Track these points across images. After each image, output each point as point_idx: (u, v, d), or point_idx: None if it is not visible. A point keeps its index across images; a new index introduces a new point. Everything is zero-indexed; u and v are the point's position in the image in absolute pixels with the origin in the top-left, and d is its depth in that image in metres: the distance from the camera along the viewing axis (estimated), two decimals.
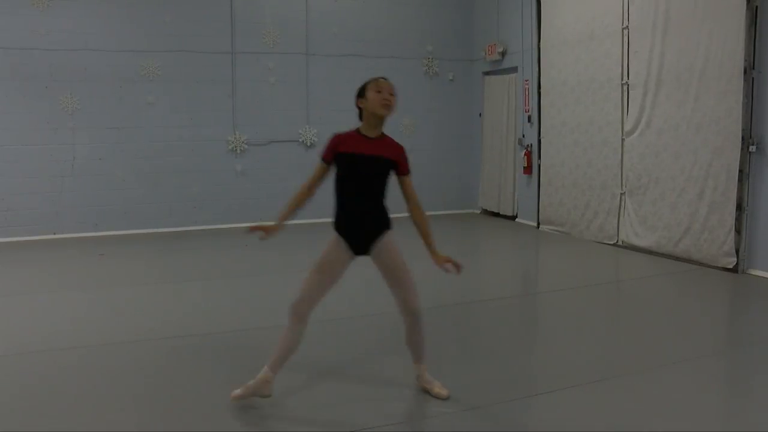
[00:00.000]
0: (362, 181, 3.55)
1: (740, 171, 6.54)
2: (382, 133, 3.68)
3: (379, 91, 3.56)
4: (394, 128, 10.43)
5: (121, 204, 9.52)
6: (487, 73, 11.02)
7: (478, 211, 11.24)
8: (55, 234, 9.31)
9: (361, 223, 3.57)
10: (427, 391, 3.70)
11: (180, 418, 3.41)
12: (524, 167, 9.94)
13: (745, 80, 6.43)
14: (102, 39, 9.33)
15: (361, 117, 3.67)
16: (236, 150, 9.90)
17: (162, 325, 5.05)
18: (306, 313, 3.49)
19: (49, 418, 3.42)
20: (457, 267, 3.54)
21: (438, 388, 3.68)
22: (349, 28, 10.50)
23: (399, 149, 3.70)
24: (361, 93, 3.63)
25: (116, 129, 9.50)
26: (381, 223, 3.62)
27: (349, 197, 3.56)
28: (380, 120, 3.62)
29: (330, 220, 3.62)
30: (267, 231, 3.56)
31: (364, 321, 5.19)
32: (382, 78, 3.66)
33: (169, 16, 9.57)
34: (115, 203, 9.50)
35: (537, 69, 9.59)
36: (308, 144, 10.20)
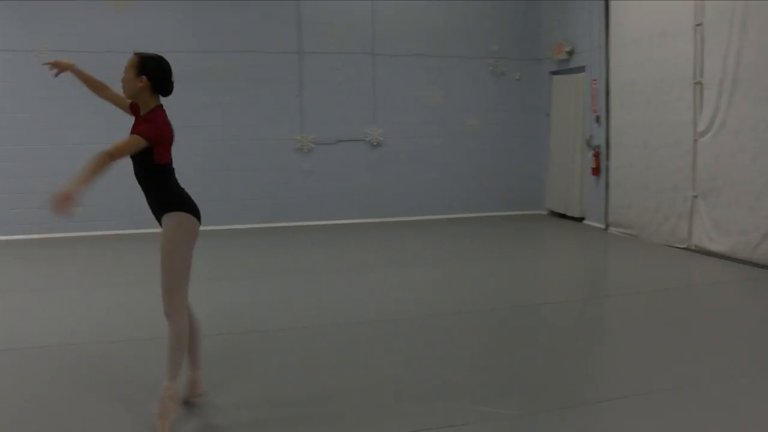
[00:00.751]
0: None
1: None
2: (147, 112, 3.57)
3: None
4: (458, 128, 10.52)
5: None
6: (554, 73, 10.86)
7: (545, 213, 11.10)
8: (137, 228, 9.65)
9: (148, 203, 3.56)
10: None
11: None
12: (592, 168, 9.76)
13: None
14: (176, 41, 9.64)
15: None
16: (303, 149, 10.07)
17: (222, 321, 5.20)
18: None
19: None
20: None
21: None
22: (414, 28, 10.53)
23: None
24: None
25: (188, 128, 9.78)
26: (158, 205, 3.54)
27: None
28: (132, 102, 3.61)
29: None
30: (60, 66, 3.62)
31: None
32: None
33: (239, 18, 9.82)
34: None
35: (605, 68, 9.40)
36: (374, 143, 10.28)
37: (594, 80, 9.72)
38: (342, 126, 10.20)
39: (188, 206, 3.52)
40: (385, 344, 4.63)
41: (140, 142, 3.34)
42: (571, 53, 10.24)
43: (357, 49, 10.29)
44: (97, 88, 3.79)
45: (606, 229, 9.47)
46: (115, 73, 9.28)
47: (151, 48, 9.41)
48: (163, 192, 3.54)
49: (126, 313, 5.53)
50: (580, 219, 10.21)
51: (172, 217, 3.47)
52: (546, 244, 9.43)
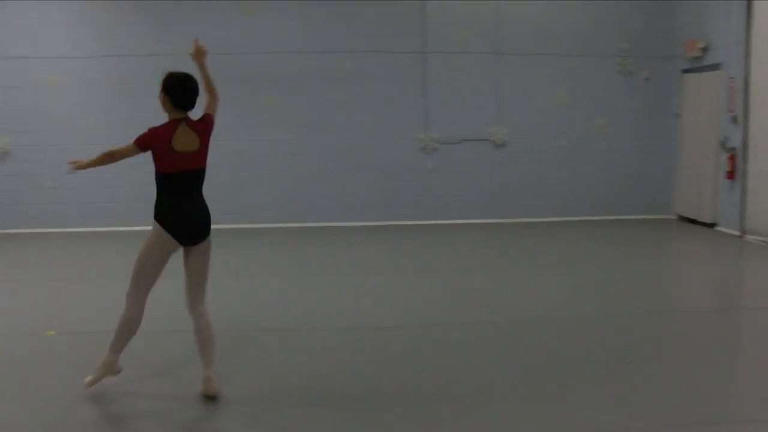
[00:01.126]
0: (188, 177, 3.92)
1: None
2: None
3: None
4: (584, 128, 10.29)
5: (315, 198, 10.20)
6: (685, 71, 10.39)
7: (673, 217, 10.67)
8: (255, 223, 10.18)
9: None
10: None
11: None
12: (727, 172, 9.28)
13: None
14: (301, 41, 10.05)
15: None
16: (427, 148, 10.20)
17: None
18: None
19: None
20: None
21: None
22: (540, 27, 10.38)
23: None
24: None
25: (311, 126, 10.19)
26: (208, 223, 3.94)
27: None
28: None
29: None
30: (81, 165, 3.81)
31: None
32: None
33: (364, 18, 10.08)
34: (311, 197, 10.20)
35: (745, 65, 8.92)
36: (498, 143, 10.25)
37: (731, 78, 9.24)
38: (466, 125, 10.24)
39: (167, 222, 3.74)
40: (512, 344, 4.68)
41: (132, 149, 3.77)
42: (704, 50, 9.77)
43: (481, 48, 10.29)
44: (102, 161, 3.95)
45: (741, 237, 9.00)
46: (245, 74, 10.03)
47: (278, 48, 10.10)
48: (157, 199, 3.81)
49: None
50: (712, 225, 9.74)
51: (154, 225, 3.77)
52: (676, 249, 9.10)
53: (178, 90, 3.83)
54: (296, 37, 10.04)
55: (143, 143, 3.72)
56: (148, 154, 3.80)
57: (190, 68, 10.01)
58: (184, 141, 3.75)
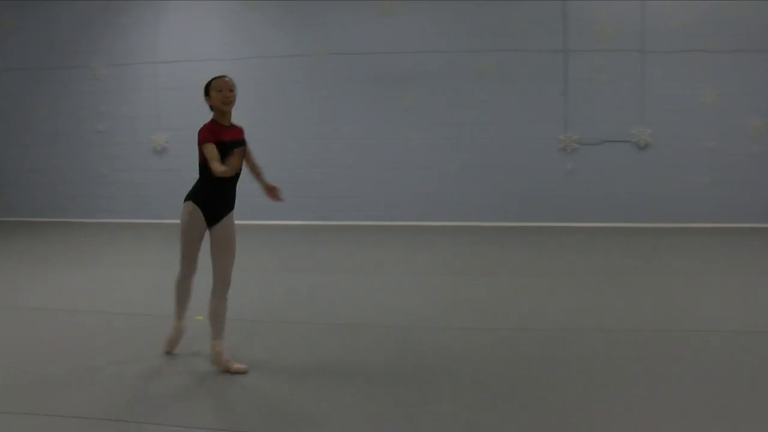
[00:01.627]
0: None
1: None
2: (231, 123, 4.28)
3: (220, 90, 4.13)
4: (736, 129, 9.71)
5: (453, 197, 10.25)
6: None
7: None
8: (391, 221, 10.37)
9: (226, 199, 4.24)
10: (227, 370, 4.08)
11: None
12: None
13: None
14: (440, 41, 10.12)
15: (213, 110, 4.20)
16: (567, 149, 10.01)
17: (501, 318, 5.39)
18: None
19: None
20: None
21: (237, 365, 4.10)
22: (689, 22, 9.87)
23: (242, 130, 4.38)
24: (207, 92, 4.20)
25: (450, 126, 10.24)
26: (232, 203, 4.29)
27: (226, 179, 4.07)
28: (226, 113, 4.21)
29: None
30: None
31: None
32: (222, 77, 4.21)
33: (504, 17, 10.01)
34: (446, 196, 10.26)
35: None
36: (641, 145, 9.87)
37: None
38: (607, 126, 9.93)
39: (199, 200, 4.19)
40: (657, 359, 4.51)
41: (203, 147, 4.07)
42: None
43: (625, 46, 9.94)
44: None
45: None
46: (383, 74, 10.32)
47: (417, 48, 10.27)
48: (197, 185, 4.28)
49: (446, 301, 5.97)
50: None
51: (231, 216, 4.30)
52: None
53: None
54: (435, 36, 10.14)
55: (199, 139, 4.15)
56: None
57: (331, 68, 10.49)
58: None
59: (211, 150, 4.00)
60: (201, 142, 4.08)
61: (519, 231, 9.64)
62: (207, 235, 4.28)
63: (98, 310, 5.73)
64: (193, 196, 4.25)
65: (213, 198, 4.20)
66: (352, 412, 3.57)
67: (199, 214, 4.17)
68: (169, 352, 4.49)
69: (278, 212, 10.59)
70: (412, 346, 4.70)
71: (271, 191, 4.46)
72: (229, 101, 4.20)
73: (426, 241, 9.03)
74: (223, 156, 4.03)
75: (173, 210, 10.80)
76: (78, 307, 5.84)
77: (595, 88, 9.97)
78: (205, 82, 4.29)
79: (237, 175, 4.22)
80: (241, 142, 4.28)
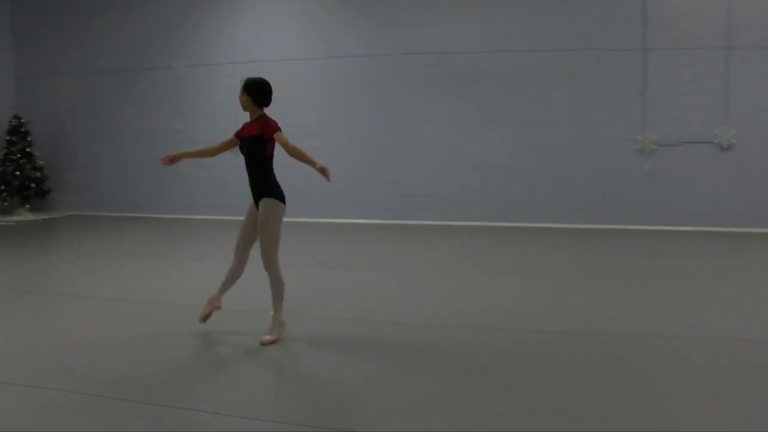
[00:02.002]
0: (245, 157, 4.71)
1: None
2: (257, 117, 4.68)
3: None
4: None
5: (528, 198, 10.12)
6: None
7: None
8: (465, 221, 10.34)
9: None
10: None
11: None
12: None
13: None
14: (516, 40, 10.02)
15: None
16: (645, 150, 9.72)
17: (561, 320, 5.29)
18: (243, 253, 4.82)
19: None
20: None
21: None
22: None
23: (257, 124, 4.63)
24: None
25: (526, 126, 10.12)
26: (261, 191, 4.65)
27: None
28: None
29: None
30: (171, 159, 4.78)
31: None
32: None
33: (580, 15, 9.80)
34: (521, 197, 10.14)
35: None
36: (725, 146, 9.49)
37: None
38: (688, 126, 9.59)
39: (282, 195, 4.68)
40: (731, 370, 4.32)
41: (282, 136, 4.56)
42: None
43: (708, 43, 9.58)
44: (209, 152, 4.97)
45: None
46: (460, 73, 10.30)
47: (493, 47, 10.17)
48: (269, 177, 4.68)
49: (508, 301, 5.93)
50: None
51: (272, 203, 4.64)
52: None
53: (262, 93, 4.68)
54: (512, 35, 10.04)
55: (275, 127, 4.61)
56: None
57: (407, 68, 10.58)
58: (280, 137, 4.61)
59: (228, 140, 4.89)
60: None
61: (594, 233, 9.44)
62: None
63: (182, 303, 5.92)
64: (277, 194, 4.70)
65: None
66: (428, 409, 3.58)
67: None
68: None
69: (351, 211, 10.77)
70: (482, 345, 4.66)
71: (322, 171, 4.57)
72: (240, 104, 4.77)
73: (498, 242, 8.96)
74: (241, 148, 4.73)
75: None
76: (158, 299, 6.06)
77: (675, 87, 9.64)
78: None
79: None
80: (253, 137, 4.65)
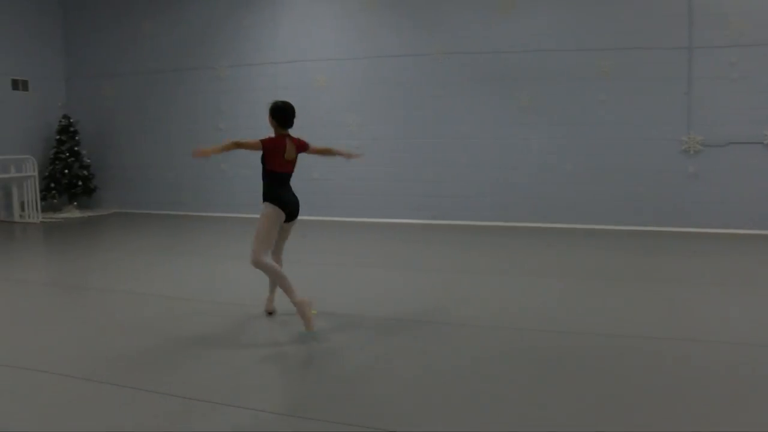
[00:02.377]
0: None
1: None
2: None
3: None
4: None
5: (569, 198, 9.99)
6: None
7: None
8: (506, 222, 10.27)
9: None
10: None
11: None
12: None
13: None
14: (558, 39, 9.89)
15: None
16: (689, 151, 9.51)
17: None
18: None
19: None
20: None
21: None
22: None
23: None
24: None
25: (567, 126, 9.99)
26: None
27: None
28: None
29: None
30: (202, 153, 4.72)
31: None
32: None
33: (623, 13, 9.63)
34: (563, 197, 10.02)
35: None
36: None
37: None
38: (735, 126, 9.33)
39: (282, 204, 5.03)
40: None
41: (257, 144, 4.92)
42: None
43: (758, 40, 9.31)
44: (232, 147, 4.91)
45: None
46: (500, 72, 10.22)
47: (534, 47, 10.09)
48: (267, 188, 5.07)
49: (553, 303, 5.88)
50: None
51: (265, 206, 5.03)
52: None
53: (283, 115, 5.10)
54: (553, 35, 9.92)
55: (268, 145, 4.97)
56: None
57: (447, 67, 10.56)
58: (289, 151, 5.08)
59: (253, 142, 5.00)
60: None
61: (635, 235, 9.27)
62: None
63: (225, 301, 6.01)
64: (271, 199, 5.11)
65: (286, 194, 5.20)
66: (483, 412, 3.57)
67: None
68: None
69: (391, 211, 10.81)
70: (525, 347, 4.62)
71: (349, 155, 5.49)
72: None
73: (539, 242, 8.86)
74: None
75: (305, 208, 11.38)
76: (192, 296, 6.15)
77: (722, 86, 9.39)
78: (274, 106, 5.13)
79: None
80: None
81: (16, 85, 12.25)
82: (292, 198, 5.16)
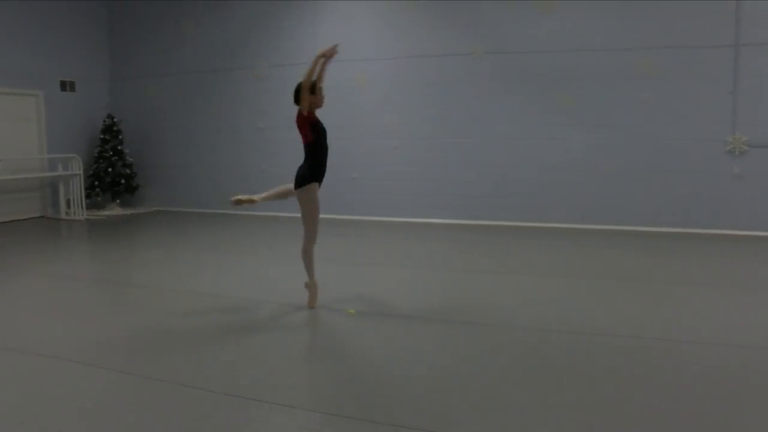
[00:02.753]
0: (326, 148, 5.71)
1: None
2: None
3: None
4: None
5: (609, 200, 9.87)
6: None
7: None
8: (544, 223, 10.20)
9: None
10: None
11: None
12: None
13: None
14: (599, 39, 9.75)
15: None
16: (734, 151, 9.30)
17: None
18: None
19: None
20: None
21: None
22: None
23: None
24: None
25: (608, 126, 9.86)
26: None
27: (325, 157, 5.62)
28: None
29: None
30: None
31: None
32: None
33: (666, 11, 9.45)
34: (602, 198, 9.90)
35: None
36: None
37: None
38: None
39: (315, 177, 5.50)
40: None
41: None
42: None
43: None
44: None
45: None
46: (542, 73, 10.12)
47: (576, 46, 9.97)
48: (309, 167, 5.51)
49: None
50: None
51: (311, 187, 5.51)
52: None
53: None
54: (594, 34, 9.79)
55: (315, 124, 5.60)
56: None
57: (487, 67, 10.47)
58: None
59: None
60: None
61: (677, 237, 9.12)
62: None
63: (262, 298, 6.08)
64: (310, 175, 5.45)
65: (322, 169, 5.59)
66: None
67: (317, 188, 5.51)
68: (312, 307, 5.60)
69: (429, 211, 10.81)
70: (570, 350, 4.59)
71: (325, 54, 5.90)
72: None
73: (578, 244, 8.77)
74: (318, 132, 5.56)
75: (326, 205, 11.43)
76: (233, 294, 6.24)
77: None
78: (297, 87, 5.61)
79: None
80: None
81: (64, 86, 12.57)
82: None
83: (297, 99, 5.54)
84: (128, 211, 12.77)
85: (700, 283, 6.59)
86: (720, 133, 9.34)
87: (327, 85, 11.19)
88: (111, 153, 12.71)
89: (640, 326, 5.08)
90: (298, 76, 11.45)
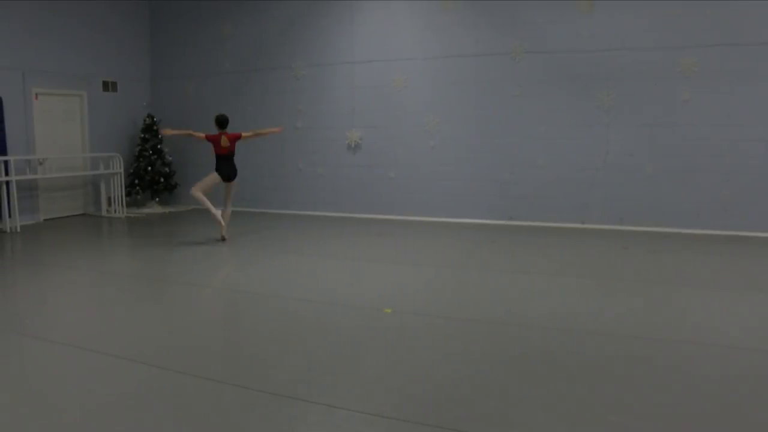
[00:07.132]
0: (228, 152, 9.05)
1: None
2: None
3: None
4: None
5: (649, 201, 9.69)
6: None
7: None
8: (582, 224, 10.05)
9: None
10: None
11: None
12: None
13: None
14: (639, 38, 9.58)
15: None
16: None
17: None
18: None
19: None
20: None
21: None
22: None
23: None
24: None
25: (649, 126, 9.67)
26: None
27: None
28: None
29: None
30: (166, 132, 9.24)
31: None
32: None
33: (708, 8, 9.22)
34: (642, 199, 9.72)
35: None
36: None
37: None
38: None
39: (217, 170, 8.91)
40: None
41: (203, 137, 8.90)
42: None
43: None
44: (191, 136, 9.26)
45: None
46: (582, 71, 9.99)
47: (615, 46, 9.82)
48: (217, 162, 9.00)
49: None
50: None
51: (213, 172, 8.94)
52: None
53: (216, 122, 8.94)
54: (635, 33, 9.61)
55: (210, 138, 8.87)
56: None
57: (527, 67, 10.34)
58: (224, 141, 8.84)
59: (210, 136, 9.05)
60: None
61: (719, 239, 8.91)
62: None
63: (301, 297, 6.10)
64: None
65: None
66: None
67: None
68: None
69: (468, 211, 10.74)
70: (616, 354, 4.51)
71: (272, 131, 9.50)
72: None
73: (617, 245, 8.61)
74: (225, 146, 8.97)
75: (363, 205, 11.50)
76: (272, 292, 6.26)
77: None
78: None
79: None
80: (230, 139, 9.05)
81: (106, 86, 12.79)
82: (228, 169, 8.97)
83: (226, 124, 8.98)
84: (167, 210, 12.94)
85: (735, 287, 6.42)
86: (764, 133, 9.09)
87: (362, 85, 11.37)
88: (151, 152, 12.90)
89: (714, 334, 4.96)
90: (336, 75, 11.70)
